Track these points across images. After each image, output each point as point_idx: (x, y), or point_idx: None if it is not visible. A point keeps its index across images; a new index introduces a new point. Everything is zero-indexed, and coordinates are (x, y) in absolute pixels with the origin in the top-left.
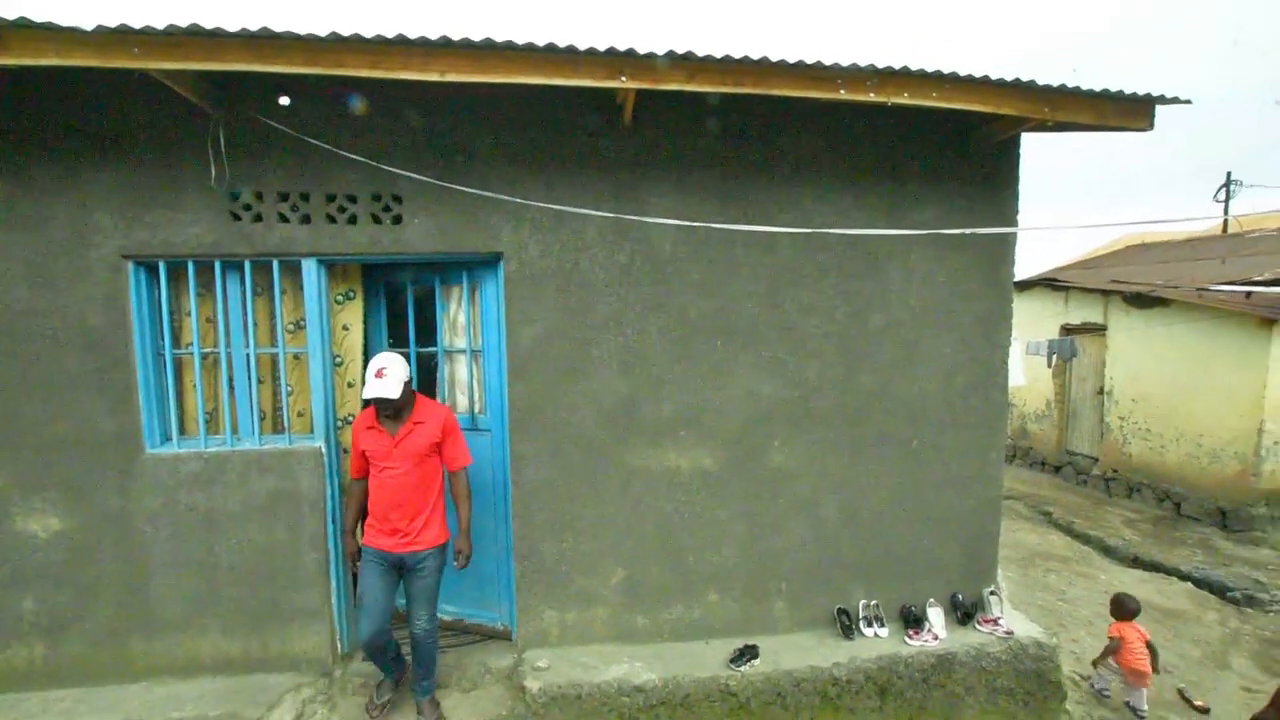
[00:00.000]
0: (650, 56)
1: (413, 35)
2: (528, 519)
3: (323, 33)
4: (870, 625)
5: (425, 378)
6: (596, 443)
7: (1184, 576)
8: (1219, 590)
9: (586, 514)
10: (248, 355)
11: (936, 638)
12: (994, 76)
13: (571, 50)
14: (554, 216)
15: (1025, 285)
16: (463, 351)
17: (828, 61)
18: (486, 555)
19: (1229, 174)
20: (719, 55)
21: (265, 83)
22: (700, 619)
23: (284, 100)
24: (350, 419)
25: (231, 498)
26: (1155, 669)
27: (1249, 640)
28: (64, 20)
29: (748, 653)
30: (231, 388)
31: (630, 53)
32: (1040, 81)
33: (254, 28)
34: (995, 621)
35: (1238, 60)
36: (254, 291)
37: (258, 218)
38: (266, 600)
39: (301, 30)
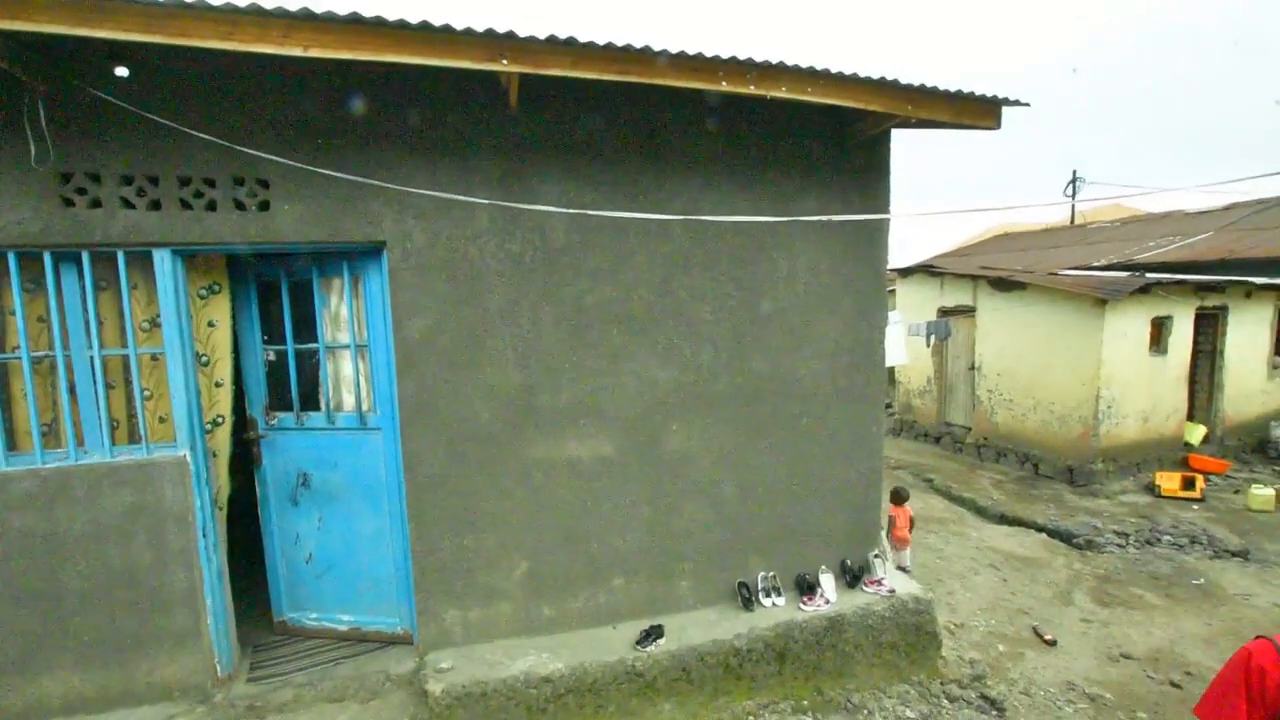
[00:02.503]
0: (531, 40)
1: (269, 5)
2: (424, 518)
3: None
4: (769, 595)
5: (306, 376)
6: (494, 436)
7: (1039, 528)
8: (1066, 538)
9: (486, 509)
10: (91, 358)
11: (828, 602)
12: (862, 74)
13: (448, 29)
14: (441, 204)
15: (908, 272)
16: (347, 347)
17: (709, 53)
18: (382, 559)
19: (1074, 171)
20: (602, 43)
21: (100, 51)
22: (606, 604)
23: (121, 71)
24: (219, 421)
25: (78, 518)
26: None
27: (1088, 579)
28: None
29: (653, 633)
30: (73, 395)
31: (510, 35)
32: (903, 80)
33: None
34: (879, 582)
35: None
36: (97, 286)
37: (95, 203)
38: (128, 627)
39: None
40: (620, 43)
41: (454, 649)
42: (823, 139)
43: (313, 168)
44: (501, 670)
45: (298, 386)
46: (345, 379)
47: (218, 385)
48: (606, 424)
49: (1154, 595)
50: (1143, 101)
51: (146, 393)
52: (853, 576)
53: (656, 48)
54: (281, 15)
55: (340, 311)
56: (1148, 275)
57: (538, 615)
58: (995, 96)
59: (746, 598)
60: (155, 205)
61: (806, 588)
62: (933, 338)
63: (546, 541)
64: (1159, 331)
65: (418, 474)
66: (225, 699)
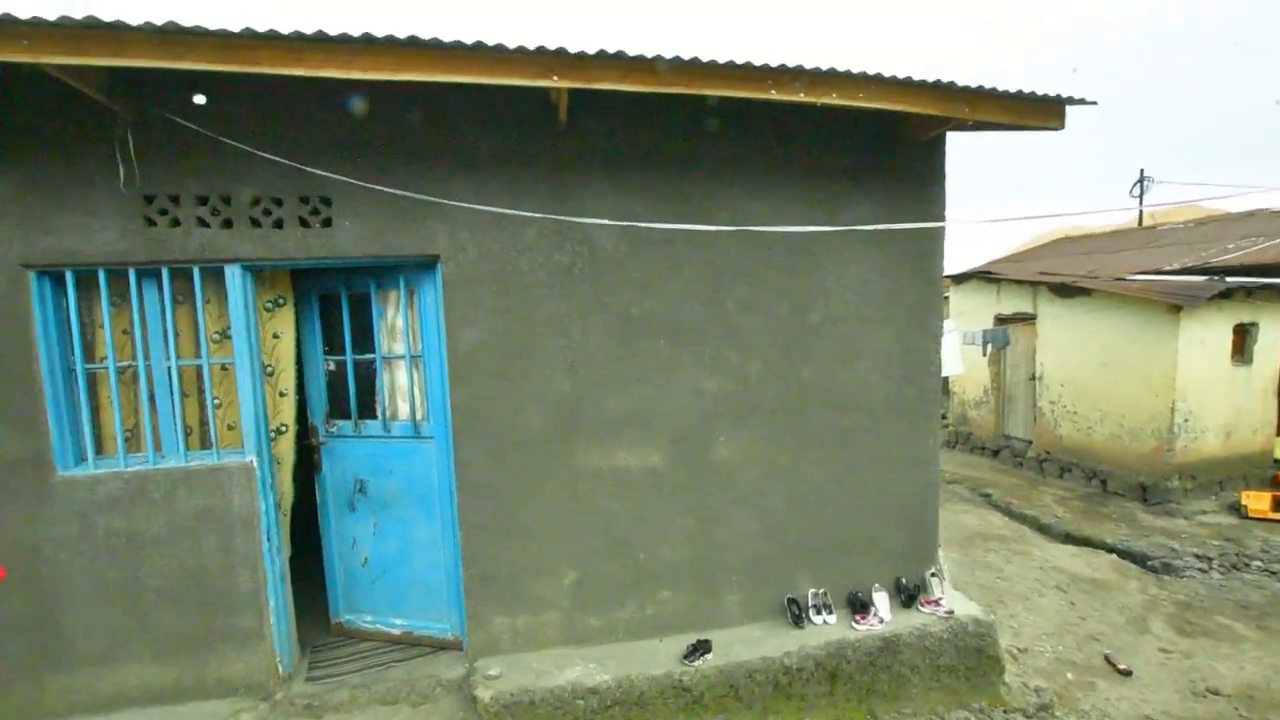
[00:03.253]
0: (581, 56)
1: (334, 32)
2: (475, 526)
3: (236, 28)
4: (819, 613)
5: (364, 385)
6: (542, 445)
7: (1110, 549)
8: (1140, 560)
9: (535, 517)
10: (169, 368)
11: (882, 621)
12: (917, 78)
13: (501, 49)
14: (492, 217)
15: (962, 278)
16: (402, 357)
17: (757, 63)
18: (433, 565)
19: (1142, 171)
20: (649, 55)
21: (179, 81)
22: (653, 616)
23: (199, 99)
24: (283, 429)
25: (156, 519)
26: None
27: (1166, 606)
28: None
29: (701, 648)
30: (153, 403)
31: (561, 52)
32: (960, 83)
33: (159, 22)
34: (937, 602)
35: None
36: (174, 300)
37: (175, 222)
38: (199, 624)
39: (213, 25)
40: (668, 55)
41: (502, 656)
42: (874, 144)
43: (372, 185)
44: (549, 680)
45: (356, 396)
46: (400, 388)
47: (282, 395)
48: (654, 434)
49: (1244, 626)
50: (1143, 101)
51: (217, 401)
52: (908, 595)
53: (704, 60)
54: (344, 41)
55: (396, 323)
56: (1228, 279)
57: (584, 625)
58: (1059, 96)
59: (796, 614)
60: (228, 223)
61: (859, 606)
62: (989, 346)
63: (593, 551)
64: (1242, 339)
65: (468, 482)
66: (285, 697)
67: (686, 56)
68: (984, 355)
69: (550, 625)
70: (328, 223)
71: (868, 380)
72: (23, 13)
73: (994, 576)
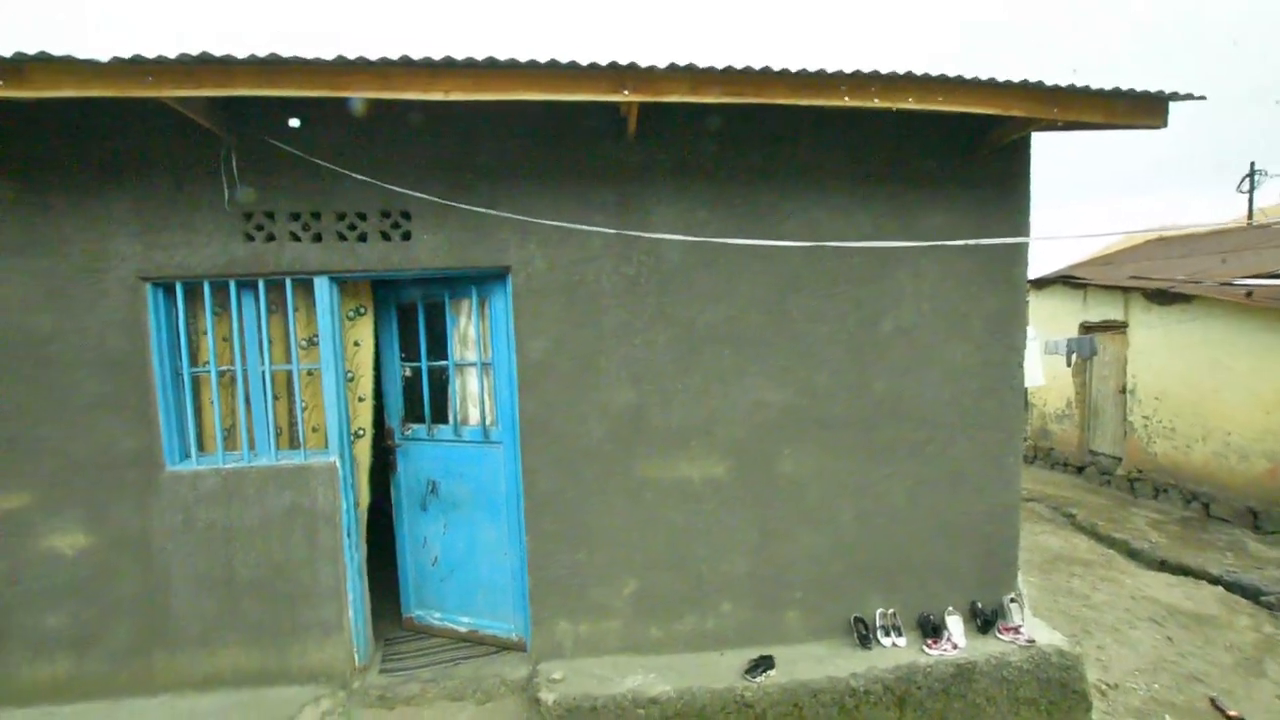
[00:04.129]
0: (651, 69)
1: (417, 56)
2: (540, 531)
3: (328, 56)
4: (888, 634)
5: (437, 391)
6: (607, 454)
7: (1214, 580)
8: (1251, 594)
9: (598, 525)
10: (263, 372)
11: (956, 647)
12: (1000, 79)
13: (573, 66)
14: (561, 229)
15: (1042, 283)
16: (473, 365)
17: (830, 69)
18: (499, 567)
19: (1253, 164)
20: (720, 66)
21: (275, 106)
22: (714, 629)
23: (294, 122)
24: (362, 432)
25: (249, 513)
26: None
27: None
28: (81, 53)
29: (763, 663)
30: (248, 404)
31: (632, 66)
32: (1048, 82)
33: (262, 54)
34: (1016, 630)
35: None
36: (268, 309)
37: (270, 237)
38: (285, 614)
39: (308, 55)
40: (739, 65)
41: (564, 661)
42: (952, 148)
43: (446, 201)
44: (611, 687)
45: (429, 401)
46: (471, 395)
47: (361, 399)
48: (717, 445)
49: None
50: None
51: (304, 404)
52: (984, 621)
53: (775, 68)
54: (426, 64)
55: (468, 331)
56: None
57: (645, 635)
58: (1161, 93)
59: (863, 635)
60: (317, 238)
61: (931, 630)
62: (1074, 356)
63: (655, 561)
64: None
65: (534, 488)
66: (361, 687)
67: (758, 66)
68: (1068, 365)
69: (612, 633)
70: (407, 236)
71: (943, 393)
72: (149, 52)
73: (1079, 604)
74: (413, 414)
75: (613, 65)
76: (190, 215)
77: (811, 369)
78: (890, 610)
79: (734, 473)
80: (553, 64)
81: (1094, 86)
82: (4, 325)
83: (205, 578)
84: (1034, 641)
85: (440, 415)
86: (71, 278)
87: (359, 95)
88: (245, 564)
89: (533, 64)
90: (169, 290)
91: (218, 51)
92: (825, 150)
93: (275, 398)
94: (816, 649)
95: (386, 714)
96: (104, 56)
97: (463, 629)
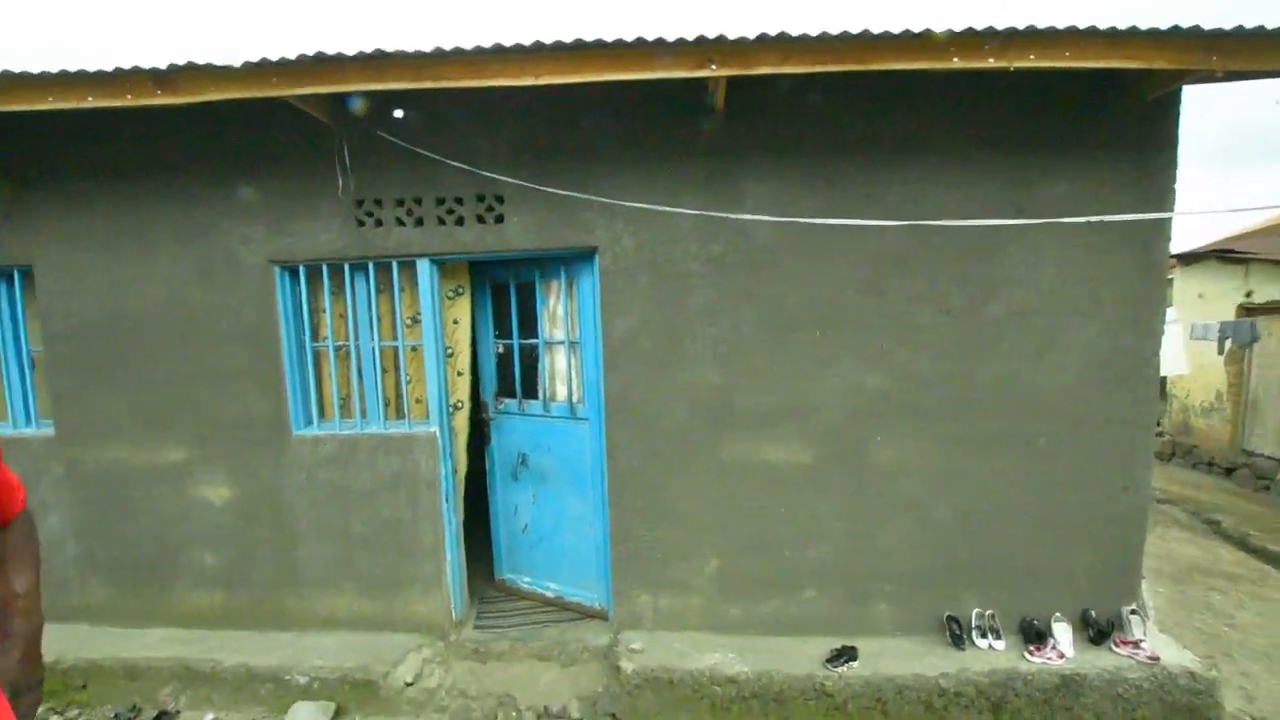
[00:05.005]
0: (740, 41)
1: (508, 44)
2: (623, 505)
3: (427, 49)
4: (984, 636)
5: (528, 367)
6: (690, 433)
7: None
8: None
9: (680, 503)
10: (373, 347)
11: (1062, 656)
12: (1143, 27)
13: (660, 42)
14: (648, 209)
15: (1190, 258)
16: (562, 343)
17: (938, 28)
18: (584, 538)
19: None
20: (814, 34)
21: (381, 100)
22: (796, 615)
23: (398, 114)
24: (459, 404)
25: (361, 476)
26: None
27: None
28: (218, 60)
29: (846, 654)
30: (360, 377)
31: (720, 39)
32: (1206, 27)
33: (369, 50)
34: (1136, 644)
35: None
36: (377, 289)
37: (379, 223)
38: (391, 568)
39: (409, 49)
40: (834, 31)
41: (645, 632)
42: (1080, 106)
43: (537, 185)
44: (689, 662)
45: (520, 377)
46: (559, 372)
47: (459, 374)
48: (806, 430)
49: None
50: None
51: (408, 378)
52: (1098, 631)
53: (874, 31)
54: (517, 50)
55: (557, 310)
56: None
57: (725, 614)
58: None
59: (956, 634)
60: (419, 222)
61: (1034, 635)
62: (1228, 342)
63: (737, 542)
64: None
65: (618, 464)
66: (457, 640)
67: (855, 30)
68: (1219, 353)
69: (691, 609)
70: (500, 219)
71: (1062, 382)
72: (272, 56)
73: (1219, 623)
74: (505, 389)
75: (699, 39)
76: (311, 204)
77: (910, 353)
78: (988, 611)
79: (823, 459)
80: (639, 42)
81: (1268, 26)
82: (166, 302)
83: (325, 531)
84: (1158, 659)
85: (530, 391)
86: (216, 261)
87: (455, 85)
88: (358, 520)
89: (619, 43)
90: (294, 272)
91: (330, 50)
92: (931, 116)
93: (384, 371)
94: (904, 644)
95: (479, 666)
96: (236, 62)
97: (550, 594)
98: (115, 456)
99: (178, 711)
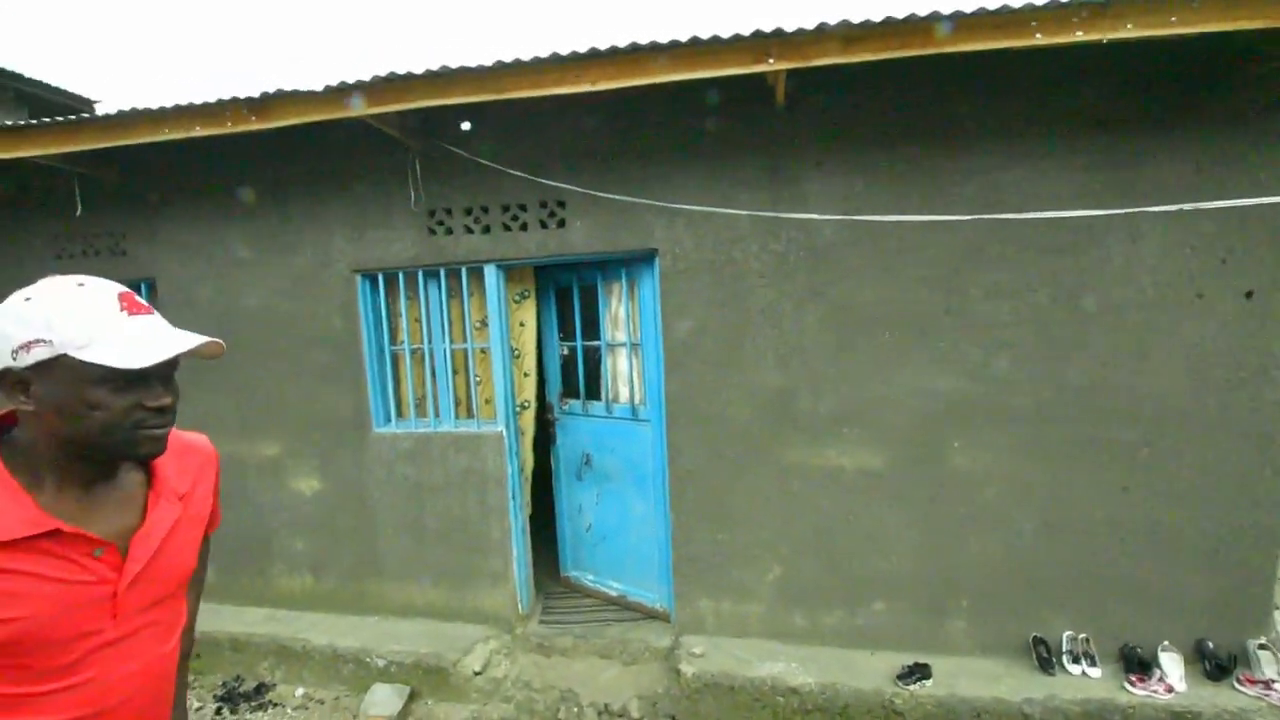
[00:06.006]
0: (798, 33)
1: (564, 52)
2: (684, 508)
3: (488, 62)
4: (1077, 662)
5: (591, 369)
6: (752, 436)
7: None
8: None
9: (742, 507)
10: (445, 350)
11: (1171, 690)
12: None
13: (715, 40)
14: (707, 210)
15: None
16: (623, 345)
17: (1015, 3)
18: (646, 539)
19: None
20: (877, 19)
21: (449, 114)
22: (864, 627)
23: (465, 126)
24: (526, 405)
25: (434, 472)
26: None
27: None
28: (302, 86)
29: (918, 671)
30: (433, 378)
31: (777, 32)
32: None
33: (435, 67)
34: (1268, 684)
35: None
36: (448, 294)
37: (449, 231)
38: (462, 561)
39: (470, 64)
40: (899, 15)
41: (706, 637)
42: (1190, 78)
43: (597, 191)
44: (750, 669)
45: (584, 378)
46: (621, 373)
47: (525, 375)
48: (873, 434)
49: None
50: None
51: (477, 379)
52: (1217, 666)
53: (944, 12)
54: (573, 58)
55: (619, 313)
56: None
57: (788, 622)
58: None
59: (1044, 657)
60: (486, 230)
61: (1136, 664)
62: None
63: (801, 549)
64: None
65: (679, 466)
66: (522, 633)
67: (923, 11)
68: None
69: (753, 616)
70: (562, 224)
71: (1169, 385)
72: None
73: None
74: (570, 390)
75: (756, 33)
76: (388, 216)
77: (988, 353)
78: (1081, 635)
79: (892, 465)
80: (694, 41)
81: None
82: (263, 310)
83: (402, 523)
84: None
85: (594, 392)
86: (306, 271)
87: (516, 95)
88: (432, 514)
89: (674, 43)
90: (373, 280)
91: (400, 70)
92: (1012, 97)
93: (455, 372)
94: (984, 665)
95: (544, 660)
96: (318, 86)
97: (613, 593)
98: (221, 450)
99: (274, 685)
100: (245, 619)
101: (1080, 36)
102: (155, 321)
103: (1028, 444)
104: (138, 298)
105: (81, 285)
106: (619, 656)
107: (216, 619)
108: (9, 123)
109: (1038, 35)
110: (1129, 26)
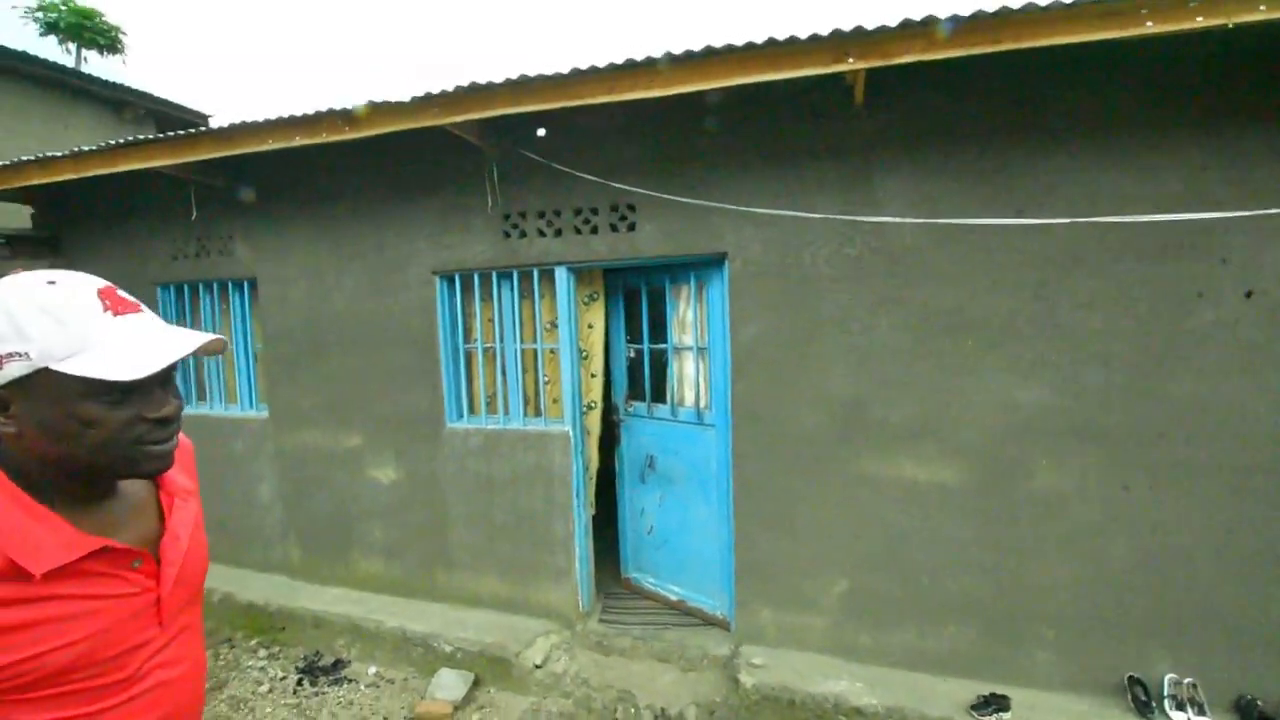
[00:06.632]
0: (880, 31)
1: (639, 57)
2: (747, 515)
3: (565, 70)
4: (1181, 709)
5: (657, 372)
6: (820, 444)
7: None
8: None
9: (808, 517)
10: (516, 349)
11: None
12: None
13: (792, 40)
14: (778, 213)
15: None
16: (690, 349)
17: None
18: (707, 545)
19: None
20: (966, 14)
21: (524, 120)
22: (934, 651)
23: (540, 132)
24: (592, 405)
25: (503, 468)
26: None
27: None
28: (391, 97)
29: (994, 702)
30: (504, 376)
31: (857, 31)
32: None
33: (514, 76)
34: None
35: None
36: (520, 296)
37: (522, 234)
38: (527, 556)
39: (549, 71)
40: (989, 9)
41: (766, 648)
42: None
43: (667, 194)
44: (812, 685)
45: (650, 381)
46: (687, 377)
47: (593, 376)
48: (950, 448)
49: None
50: None
51: (546, 379)
52: None
53: (1041, 3)
54: (648, 63)
55: (686, 316)
56: None
57: (853, 639)
58: None
59: (1143, 700)
60: (558, 233)
61: (1255, 717)
62: None
63: (869, 563)
64: None
65: (743, 472)
66: (583, 630)
67: (1015, 3)
68: None
69: (817, 629)
70: (632, 227)
71: None
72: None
73: None
74: (635, 392)
75: (834, 33)
76: (466, 219)
77: (1078, 365)
78: (1187, 680)
79: (969, 479)
80: (771, 42)
81: None
82: (349, 310)
83: (471, 516)
84: None
85: (659, 395)
86: (387, 273)
87: (591, 101)
88: (499, 509)
89: (750, 45)
90: (450, 281)
91: (481, 80)
92: (1115, 91)
93: (524, 371)
94: (1070, 703)
95: (602, 659)
96: (405, 97)
97: (673, 597)
98: (309, 439)
99: (349, 662)
100: (325, 597)
101: (1200, 23)
102: (145, 320)
103: (1122, 464)
104: (121, 292)
105: (53, 283)
106: (677, 661)
107: (299, 596)
108: (142, 136)
109: (1149, 24)
110: (1261, 8)
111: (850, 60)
